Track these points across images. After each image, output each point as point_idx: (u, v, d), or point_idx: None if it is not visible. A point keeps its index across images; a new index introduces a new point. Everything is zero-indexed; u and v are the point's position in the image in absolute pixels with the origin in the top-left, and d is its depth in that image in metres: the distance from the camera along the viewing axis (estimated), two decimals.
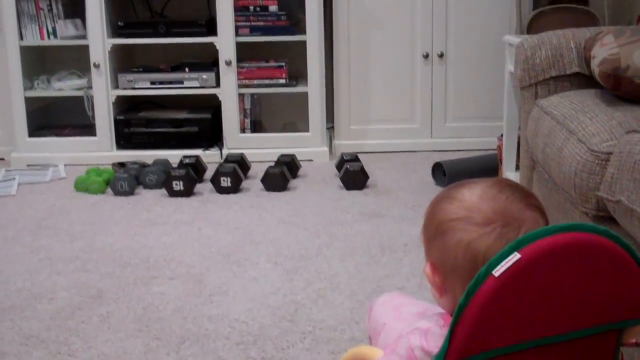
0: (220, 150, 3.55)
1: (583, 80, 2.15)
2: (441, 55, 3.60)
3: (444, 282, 0.96)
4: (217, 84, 3.54)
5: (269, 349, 1.78)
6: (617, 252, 0.90)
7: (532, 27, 3.26)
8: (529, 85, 2.20)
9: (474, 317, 0.84)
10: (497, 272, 0.83)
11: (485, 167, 3.15)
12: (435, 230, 0.96)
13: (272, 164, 3.24)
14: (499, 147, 2.96)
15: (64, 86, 3.61)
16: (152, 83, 3.55)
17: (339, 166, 3.27)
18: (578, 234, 0.88)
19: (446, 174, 3.08)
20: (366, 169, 3.13)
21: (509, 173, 2.74)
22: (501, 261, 0.84)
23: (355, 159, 3.25)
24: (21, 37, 3.50)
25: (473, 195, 0.94)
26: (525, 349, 0.88)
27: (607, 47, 1.91)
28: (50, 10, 3.53)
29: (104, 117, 3.54)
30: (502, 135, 2.88)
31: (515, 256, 0.84)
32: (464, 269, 0.92)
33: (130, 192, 3.06)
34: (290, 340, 1.82)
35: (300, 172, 3.34)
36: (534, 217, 0.94)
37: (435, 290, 0.97)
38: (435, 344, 0.92)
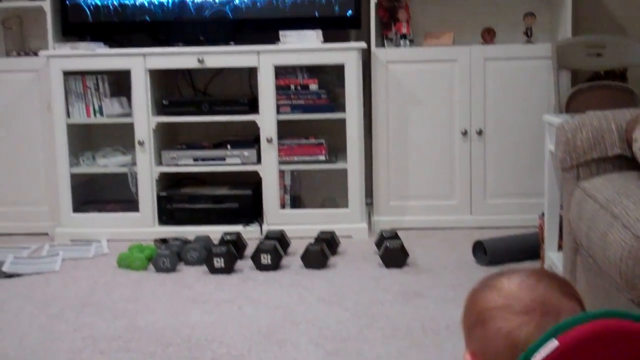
0: (261, 226, 3.58)
1: (625, 162, 2.15)
2: (480, 132, 3.62)
3: None
4: (258, 161, 3.60)
5: None
6: None
7: (570, 104, 3.28)
8: (571, 167, 2.20)
9: None
10: (536, 359, 0.85)
11: (526, 247, 3.12)
12: (475, 319, 0.97)
13: (312, 240, 3.26)
14: (540, 226, 2.94)
15: (109, 163, 3.70)
16: (195, 160, 3.62)
17: (378, 243, 3.27)
18: (615, 320, 0.89)
19: (487, 252, 3.06)
20: (406, 246, 3.13)
21: (551, 253, 2.71)
22: (539, 348, 0.85)
23: (394, 236, 3.25)
24: (68, 115, 3.62)
25: (512, 284, 0.97)
26: None
27: None
28: (97, 88, 3.64)
29: (147, 193, 3.61)
30: (543, 214, 2.86)
31: (553, 343, 0.85)
32: (504, 357, 0.93)
33: (172, 269, 3.09)
34: None
35: (340, 248, 3.35)
36: (572, 307, 0.96)
37: None
38: None
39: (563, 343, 0.85)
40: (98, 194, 3.90)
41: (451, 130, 3.64)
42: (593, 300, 1.97)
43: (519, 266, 3.03)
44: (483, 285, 1.01)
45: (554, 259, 2.65)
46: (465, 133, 3.63)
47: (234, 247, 3.16)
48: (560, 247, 2.66)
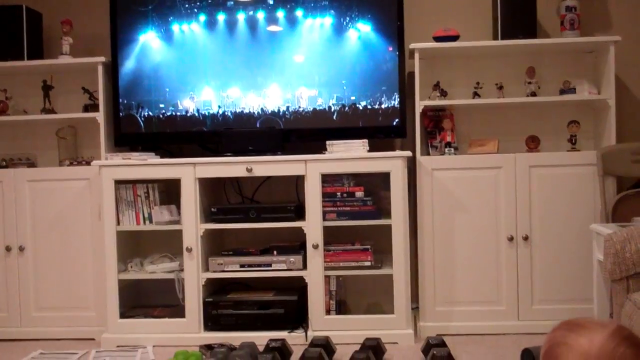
0: (306, 332, 3.57)
1: None
2: (526, 238, 3.61)
3: None
4: (304, 267, 3.63)
5: None
6: None
7: (617, 211, 3.28)
8: (620, 278, 2.19)
9: None
10: None
11: None
12: None
13: (357, 347, 3.23)
14: None
15: (157, 269, 3.75)
16: (242, 266, 3.66)
17: (425, 351, 3.23)
18: None
19: None
20: (453, 353, 3.09)
21: None
22: None
23: (441, 343, 3.22)
24: (118, 222, 3.70)
25: (592, 348, 0.99)
26: None
27: None
28: (147, 196, 3.74)
29: (193, 299, 3.64)
30: None
31: None
32: None
33: None
34: None
35: (386, 356, 3.31)
36: None
37: None
38: None
39: None
40: (145, 300, 3.95)
41: (497, 236, 3.64)
42: None
43: None
44: (562, 341, 1.03)
45: None
46: (511, 239, 3.62)
47: (280, 354, 3.15)
48: None
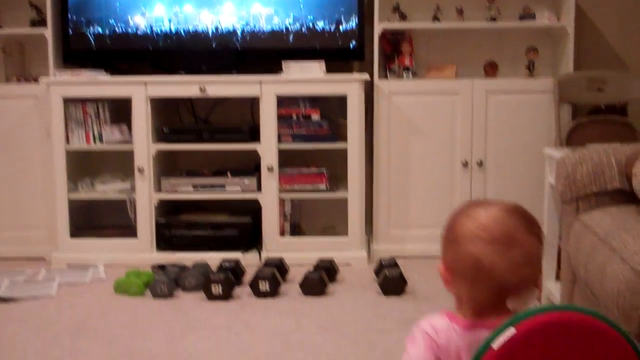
0: (260, 253, 3.57)
1: (625, 196, 2.15)
2: (480, 164, 3.63)
3: (453, 278, 1.19)
4: (259, 189, 3.60)
5: None
6: (612, 334, 0.97)
7: (571, 138, 3.30)
8: (571, 200, 2.20)
9: None
10: (496, 345, 0.97)
11: None
12: (451, 239, 1.18)
13: (311, 267, 3.25)
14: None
15: (108, 189, 3.70)
16: (195, 187, 3.62)
17: (377, 271, 3.27)
18: (572, 313, 0.99)
19: None
20: (405, 274, 3.12)
21: (549, 283, 2.70)
22: (499, 335, 0.97)
23: (393, 264, 3.25)
24: (67, 141, 3.62)
25: (488, 217, 1.14)
26: None
27: None
28: (98, 115, 3.65)
29: (145, 220, 3.60)
30: None
31: (511, 331, 0.97)
32: (469, 274, 1.14)
33: (169, 295, 3.08)
34: None
35: (339, 276, 3.34)
36: (533, 243, 1.13)
37: (445, 283, 1.22)
38: (439, 321, 1.18)
39: (520, 331, 0.97)
40: (96, 220, 3.90)
41: (452, 161, 3.66)
42: None
43: None
44: (464, 212, 1.18)
45: (551, 288, 2.65)
46: (465, 164, 3.63)
47: (233, 274, 3.15)
48: (557, 277, 2.66)
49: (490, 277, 1.12)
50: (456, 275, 1.18)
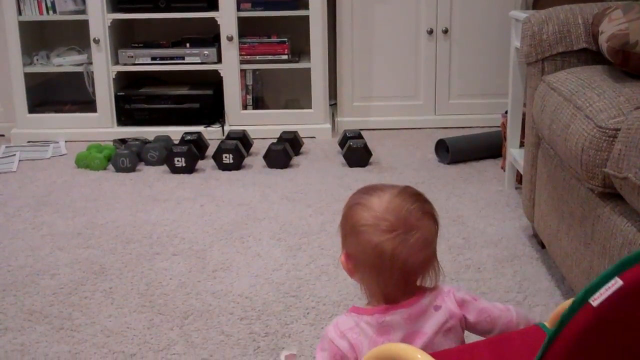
0: (222, 126, 3.52)
1: (591, 56, 2.12)
2: (445, 31, 3.56)
3: (355, 267, 1.15)
4: (219, 60, 3.51)
5: (273, 324, 1.78)
6: None
7: (538, 2, 3.22)
8: (536, 61, 2.17)
9: (565, 349, 0.74)
10: (596, 301, 0.73)
11: (488, 145, 3.13)
12: (349, 230, 1.14)
13: (275, 140, 3.22)
14: (503, 124, 2.93)
15: (64, 62, 3.58)
16: (153, 59, 3.52)
17: (341, 143, 3.25)
18: None
19: (449, 151, 3.06)
20: (369, 146, 3.11)
21: (513, 150, 2.72)
22: (600, 288, 0.73)
23: (358, 136, 3.23)
24: (20, 12, 3.46)
25: (382, 206, 1.11)
26: None
27: (615, 23, 1.88)
28: None
29: (104, 93, 3.51)
30: (506, 112, 2.85)
31: (617, 283, 0.73)
32: (372, 262, 1.11)
33: (131, 169, 3.05)
34: (294, 316, 1.82)
35: (303, 149, 3.32)
36: (428, 225, 1.12)
37: (348, 272, 1.18)
38: (345, 321, 1.14)
39: (628, 281, 0.72)
40: (54, 95, 3.79)
41: (417, 29, 3.58)
42: (553, 192, 1.98)
43: (477, 165, 3.04)
44: (357, 202, 1.15)
45: (515, 155, 2.66)
46: (430, 32, 3.57)
47: (195, 147, 3.11)
48: (522, 144, 2.67)
49: (393, 264, 1.10)
50: (359, 265, 1.14)
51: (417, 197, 1.14)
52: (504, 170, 2.84)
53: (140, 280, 2.05)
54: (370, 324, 1.12)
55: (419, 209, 1.12)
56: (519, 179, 2.69)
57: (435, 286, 1.16)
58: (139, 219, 2.53)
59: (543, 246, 2.19)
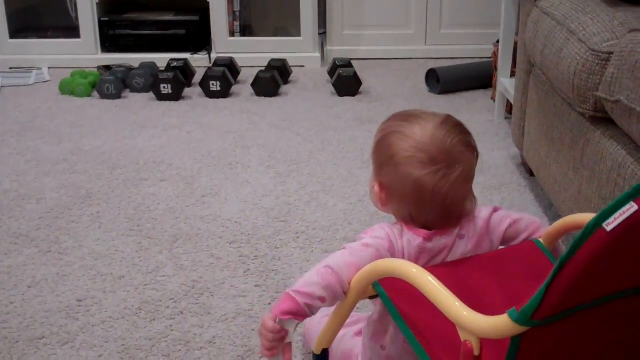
0: (209, 54, 3.46)
1: None
2: None
3: (389, 198, 1.10)
4: None
5: (263, 248, 1.78)
6: None
7: None
8: None
9: (576, 274, 0.73)
10: (610, 225, 0.71)
11: (479, 75, 3.10)
12: (387, 160, 1.08)
13: (263, 68, 3.17)
14: (495, 54, 2.90)
15: None
16: None
17: (331, 72, 3.21)
18: None
19: (440, 81, 3.03)
20: (359, 75, 3.08)
21: (504, 80, 2.69)
22: (615, 212, 0.71)
23: (348, 64, 3.19)
24: None
25: (425, 136, 1.05)
26: (602, 303, 0.81)
27: None
28: None
29: (87, 19, 3.43)
30: (498, 42, 2.82)
31: (632, 207, 0.71)
32: (410, 196, 1.06)
33: (117, 96, 3.00)
34: (284, 240, 1.82)
35: (292, 77, 3.28)
36: (470, 159, 1.07)
37: (379, 203, 1.12)
38: (393, 229, 1.08)
39: None
40: (36, 21, 3.69)
41: None
42: (542, 118, 1.97)
43: (467, 95, 3.02)
44: (396, 129, 1.08)
45: (506, 84, 2.64)
46: None
47: (182, 74, 3.06)
48: (513, 74, 2.64)
49: (433, 199, 1.05)
50: (394, 197, 1.09)
51: (460, 129, 1.08)
52: (494, 101, 2.82)
53: (127, 205, 2.04)
54: (412, 244, 1.07)
55: (462, 142, 1.06)
56: (509, 109, 2.68)
57: (469, 213, 1.11)
58: (126, 145, 2.50)
59: (532, 174, 2.19)
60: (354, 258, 1.05)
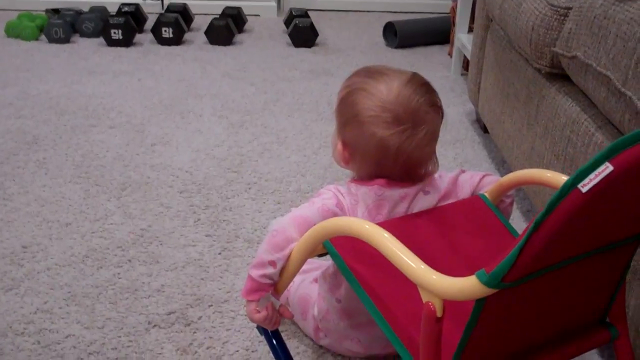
0: (162, 0, 3.37)
1: None
2: None
3: (352, 156, 1.07)
4: None
5: (214, 198, 1.75)
6: None
7: None
8: None
9: (550, 235, 0.72)
10: (585, 187, 0.69)
11: (437, 30, 3.08)
12: (351, 118, 1.04)
13: (217, 16, 3.10)
14: (453, 9, 2.88)
15: None
16: None
17: (287, 22, 3.15)
18: None
19: (397, 35, 3.00)
20: (316, 26, 3.03)
21: (462, 35, 2.68)
22: (589, 173, 0.69)
23: (304, 15, 3.14)
24: None
25: (390, 95, 1.01)
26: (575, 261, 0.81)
27: None
28: None
29: None
30: None
31: (608, 168, 0.69)
32: (373, 155, 1.03)
33: (65, 40, 2.90)
34: (236, 190, 1.79)
35: (247, 26, 3.21)
36: (435, 119, 1.04)
37: (342, 161, 1.08)
38: (342, 190, 1.07)
39: (618, 166, 0.69)
40: None
41: None
42: (499, 74, 1.96)
43: (424, 50, 3.00)
44: (361, 86, 1.03)
45: (463, 40, 2.63)
46: None
47: (133, 20, 2.98)
48: (470, 30, 2.63)
49: (397, 158, 1.02)
50: (357, 155, 1.06)
51: (427, 88, 1.04)
52: (451, 57, 2.81)
53: (75, 151, 1.98)
54: (368, 195, 1.05)
55: (428, 102, 1.03)
56: (466, 65, 2.67)
57: (431, 174, 1.10)
58: (74, 90, 2.43)
59: (486, 131, 2.19)
60: (299, 211, 1.04)
